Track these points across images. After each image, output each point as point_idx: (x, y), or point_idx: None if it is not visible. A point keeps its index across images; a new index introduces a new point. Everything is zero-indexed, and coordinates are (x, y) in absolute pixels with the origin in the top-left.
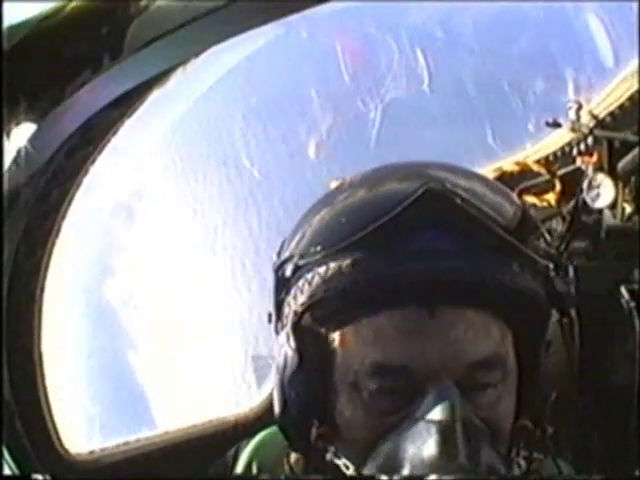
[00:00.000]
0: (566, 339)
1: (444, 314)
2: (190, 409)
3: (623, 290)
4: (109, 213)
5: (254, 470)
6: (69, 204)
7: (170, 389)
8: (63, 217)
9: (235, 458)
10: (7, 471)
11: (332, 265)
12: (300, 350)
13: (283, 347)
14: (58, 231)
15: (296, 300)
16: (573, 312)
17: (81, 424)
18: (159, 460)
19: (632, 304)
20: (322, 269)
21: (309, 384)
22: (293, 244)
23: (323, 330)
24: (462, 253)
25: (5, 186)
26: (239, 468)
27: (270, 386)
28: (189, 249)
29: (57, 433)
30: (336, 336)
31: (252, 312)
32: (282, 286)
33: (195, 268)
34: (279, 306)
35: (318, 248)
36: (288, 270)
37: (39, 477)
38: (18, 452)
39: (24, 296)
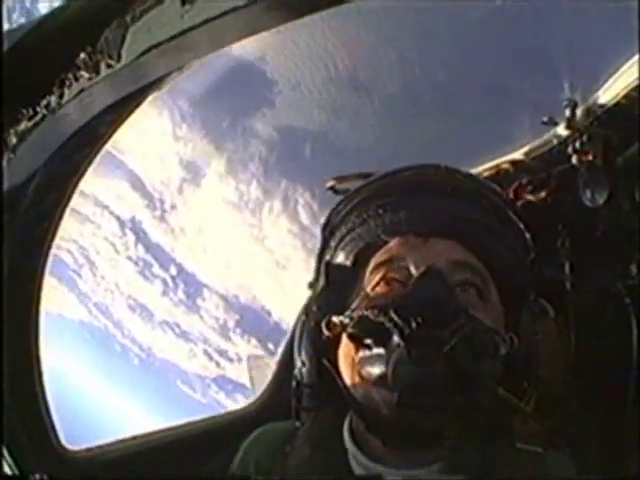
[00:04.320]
0: (563, 335)
1: (433, 241)
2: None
3: (620, 286)
4: None
5: (251, 462)
6: (65, 207)
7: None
8: (60, 219)
9: (234, 454)
10: (6, 469)
11: (355, 220)
12: (328, 278)
13: (315, 286)
14: (55, 233)
15: (330, 249)
16: (570, 308)
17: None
18: (156, 457)
19: (629, 300)
20: (350, 224)
21: (331, 295)
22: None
23: (349, 264)
24: (451, 207)
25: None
26: (236, 461)
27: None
28: None
29: (55, 431)
30: (357, 265)
31: None
32: (323, 250)
33: None
34: (319, 269)
35: (344, 206)
36: (326, 230)
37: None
38: (16, 450)
39: (22, 297)
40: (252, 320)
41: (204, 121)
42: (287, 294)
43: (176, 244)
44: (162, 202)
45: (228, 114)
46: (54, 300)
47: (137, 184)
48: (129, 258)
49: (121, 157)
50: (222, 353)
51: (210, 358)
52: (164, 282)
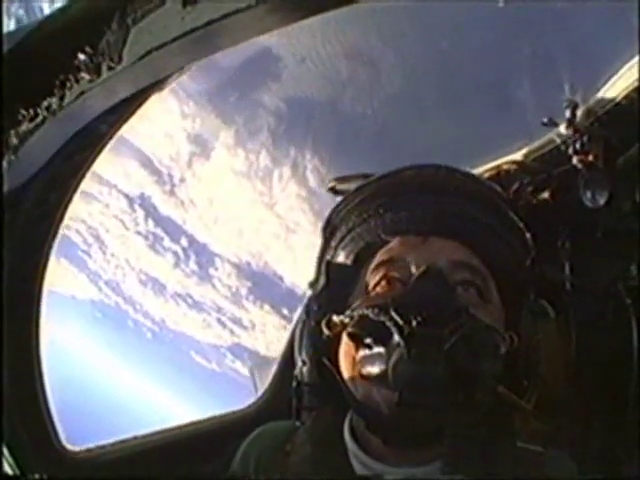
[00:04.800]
0: (564, 335)
1: (433, 241)
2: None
3: (620, 287)
4: None
5: (251, 462)
6: (66, 207)
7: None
8: (60, 220)
9: (234, 452)
10: (6, 468)
11: (355, 219)
12: (329, 278)
13: (316, 286)
14: (55, 233)
15: (330, 249)
16: (571, 309)
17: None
18: (157, 458)
19: (629, 301)
20: (350, 223)
21: (332, 295)
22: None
23: (349, 263)
24: (451, 207)
25: (5, 189)
26: (236, 460)
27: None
28: None
29: (55, 431)
30: (357, 265)
31: None
32: (323, 249)
33: None
34: (319, 268)
35: (344, 206)
36: (327, 230)
37: (37, 477)
38: (17, 450)
39: (23, 296)
40: (265, 286)
41: (210, 97)
42: (297, 258)
43: (187, 216)
44: (171, 177)
45: (234, 89)
46: (65, 281)
47: (145, 161)
48: (139, 233)
49: (127, 136)
50: (236, 321)
51: (224, 327)
52: (175, 254)
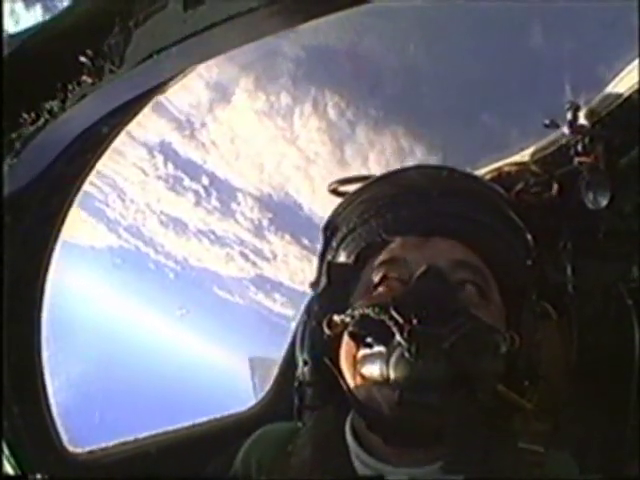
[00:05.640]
0: (565, 337)
1: (434, 241)
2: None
3: (622, 288)
4: None
5: (252, 463)
6: (68, 210)
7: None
8: (63, 222)
9: (235, 453)
10: (8, 468)
11: (356, 220)
12: (330, 278)
13: (317, 286)
14: (57, 236)
15: (332, 249)
16: (572, 310)
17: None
18: (158, 459)
19: (630, 302)
20: (351, 224)
21: (333, 295)
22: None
23: (350, 263)
24: (452, 207)
25: (6, 192)
26: (238, 461)
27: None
28: None
29: (57, 432)
30: (358, 265)
31: None
32: (324, 250)
33: None
34: (320, 269)
35: (345, 207)
36: (328, 231)
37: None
38: (18, 450)
39: (24, 298)
40: (285, 216)
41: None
42: (316, 187)
43: (207, 157)
44: (191, 123)
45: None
46: (83, 233)
47: (162, 111)
48: (159, 177)
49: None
50: (258, 252)
51: (247, 259)
52: (196, 193)
